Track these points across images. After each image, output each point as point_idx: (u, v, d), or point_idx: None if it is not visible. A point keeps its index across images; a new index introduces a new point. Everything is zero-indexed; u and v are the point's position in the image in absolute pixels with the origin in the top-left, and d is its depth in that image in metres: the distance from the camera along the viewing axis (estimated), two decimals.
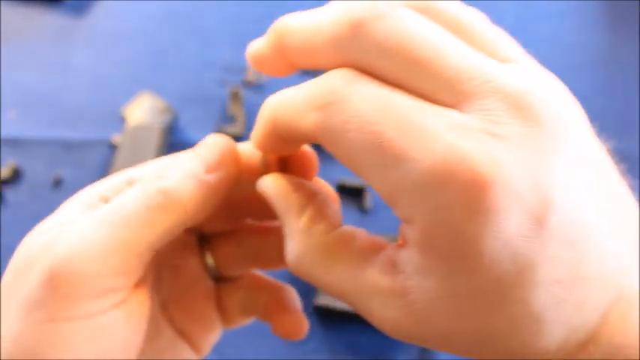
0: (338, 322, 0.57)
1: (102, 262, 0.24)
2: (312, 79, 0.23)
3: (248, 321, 0.35)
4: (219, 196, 0.28)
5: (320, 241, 0.23)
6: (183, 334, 0.33)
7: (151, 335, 0.30)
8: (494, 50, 0.21)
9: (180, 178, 0.27)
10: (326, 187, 0.31)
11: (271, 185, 0.27)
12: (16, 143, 0.72)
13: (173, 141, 0.72)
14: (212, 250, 0.34)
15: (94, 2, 0.86)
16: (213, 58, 0.80)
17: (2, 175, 0.69)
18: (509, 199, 0.18)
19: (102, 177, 0.69)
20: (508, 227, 0.18)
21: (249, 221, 0.34)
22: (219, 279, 0.35)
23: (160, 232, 0.26)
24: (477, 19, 0.23)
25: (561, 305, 0.19)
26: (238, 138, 0.72)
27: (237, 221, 0.34)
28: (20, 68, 0.79)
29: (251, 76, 0.77)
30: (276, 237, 0.32)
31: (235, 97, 0.75)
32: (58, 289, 0.23)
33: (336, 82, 0.22)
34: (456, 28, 0.21)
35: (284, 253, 0.25)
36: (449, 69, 0.20)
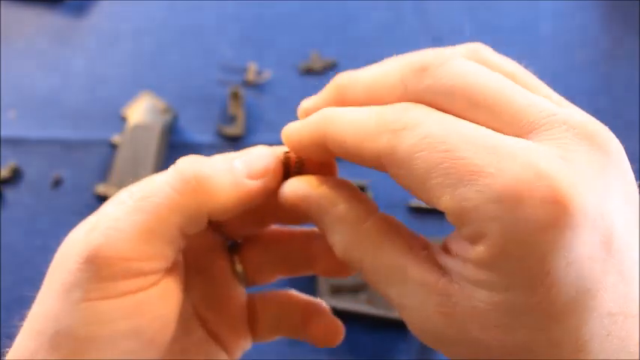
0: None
1: (133, 247, 0.25)
2: (381, 107, 0.24)
3: (275, 337, 0.35)
4: (251, 201, 0.28)
5: (366, 227, 0.24)
6: (216, 337, 0.33)
7: (182, 332, 0.30)
8: (540, 94, 0.23)
9: (219, 172, 0.27)
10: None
11: (302, 185, 0.27)
12: (16, 143, 0.72)
13: (173, 141, 0.72)
14: (240, 257, 0.34)
15: (94, 2, 0.86)
16: (213, 58, 0.80)
17: (2, 175, 0.69)
18: (584, 220, 0.18)
19: (102, 177, 0.69)
20: (578, 248, 0.18)
21: (274, 227, 0.34)
22: (250, 286, 0.35)
23: (190, 217, 0.26)
24: (518, 67, 0.25)
25: (608, 338, 0.19)
26: (238, 138, 0.72)
27: (263, 225, 0.34)
28: (20, 68, 0.79)
29: (251, 76, 0.77)
30: (300, 243, 0.32)
31: (235, 97, 0.75)
32: (93, 272, 0.24)
33: (409, 109, 0.22)
34: (504, 73, 0.23)
35: (314, 255, 0.28)
36: (513, 105, 0.21)
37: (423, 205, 0.66)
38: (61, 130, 0.73)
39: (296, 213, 0.27)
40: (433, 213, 0.66)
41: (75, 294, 0.25)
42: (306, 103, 0.29)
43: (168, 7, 0.86)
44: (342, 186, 0.26)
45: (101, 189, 0.63)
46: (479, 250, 0.20)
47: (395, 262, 0.23)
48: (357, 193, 0.26)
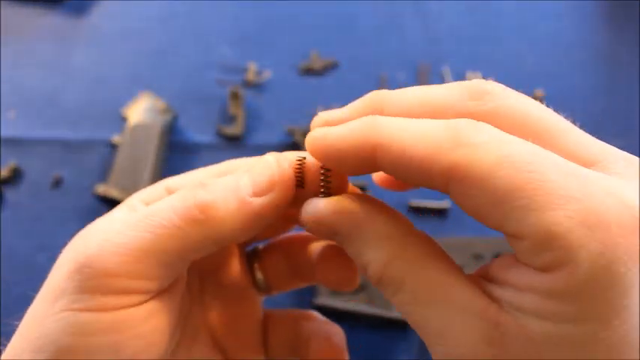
0: (338, 322, 0.57)
1: (123, 263, 0.24)
2: (447, 120, 0.22)
3: (288, 358, 0.34)
4: (263, 220, 0.26)
5: (410, 243, 0.23)
6: (223, 351, 0.32)
7: (184, 349, 0.30)
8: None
9: (223, 195, 0.25)
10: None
11: (334, 205, 0.25)
12: (16, 143, 0.72)
13: (173, 141, 0.72)
14: (260, 263, 0.33)
15: (94, 2, 0.86)
16: (213, 58, 0.80)
17: (2, 175, 0.69)
18: None
19: (102, 177, 0.69)
20: None
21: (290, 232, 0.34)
22: (268, 295, 0.34)
23: (192, 246, 0.25)
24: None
25: None
26: (238, 138, 0.72)
27: (285, 228, 0.33)
28: (20, 68, 0.79)
29: (251, 76, 0.77)
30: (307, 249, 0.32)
31: (235, 97, 0.75)
32: (79, 282, 0.24)
33: (483, 125, 0.21)
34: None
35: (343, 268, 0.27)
36: (571, 138, 0.22)
37: (423, 204, 0.66)
38: (61, 130, 0.73)
39: (318, 232, 0.26)
40: (434, 213, 0.66)
41: (60, 302, 0.24)
42: (328, 115, 0.26)
43: (168, 7, 0.86)
44: (373, 201, 0.25)
45: (101, 189, 0.63)
46: (555, 278, 0.19)
47: (439, 281, 0.22)
48: (389, 208, 0.25)
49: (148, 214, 0.25)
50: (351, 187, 0.28)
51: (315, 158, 0.25)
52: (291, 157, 0.27)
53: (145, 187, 0.65)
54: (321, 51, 0.80)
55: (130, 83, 0.77)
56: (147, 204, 0.29)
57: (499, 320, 0.20)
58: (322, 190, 0.26)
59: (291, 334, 0.33)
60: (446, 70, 0.78)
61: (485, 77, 0.76)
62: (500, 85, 0.23)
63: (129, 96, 0.74)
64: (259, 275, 0.33)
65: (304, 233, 0.32)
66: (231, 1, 0.86)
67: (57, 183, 0.69)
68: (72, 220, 0.66)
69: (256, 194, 0.26)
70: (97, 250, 0.24)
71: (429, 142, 0.21)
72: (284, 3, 0.86)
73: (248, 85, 0.77)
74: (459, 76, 0.77)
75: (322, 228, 0.25)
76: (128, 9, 0.86)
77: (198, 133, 0.74)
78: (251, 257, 0.34)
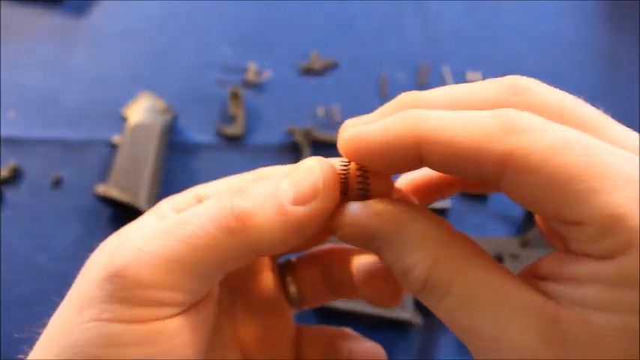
0: (338, 322, 0.57)
1: (156, 274, 0.23)
2: (488, 111, 0.21)
3: None
4: (306, 231, 0.24)
5: (455, 243, 0.22)
6: None
7: (211, 355, 0.28)
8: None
9: (262, 203, 0.24)
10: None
11: (373, 207, 0.24)
12: (16, 143, 0.72)
13: (173, 141, 0.72)
14: (294, 277, 0.32)
15: (94, 2, 0.86)
16: (213, 58, 0.80)
17: (2, 175, 0.69)
18: None
19: (102, 177, 0.69)
20: None
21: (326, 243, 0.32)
22: (301, 309, 0.33)
23: (228, 256, 0.24)
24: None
25: None
26: (238, 138, 0.72)
27: (320, 240, 0.32)
28: (20, 68, 0.79)
29: (251, 76, 0.77)
30: (351, 263, 0.30)
31: (235, 97, 0.75)
32: (110, 291, 0.23)
33: (528, 113, 0.20)
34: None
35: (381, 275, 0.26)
36: (607, 129, 0.22)
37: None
38: (61, 130, 0.73)
39: (353, 238, 0.24)
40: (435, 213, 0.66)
41: (89, 311, 0.23)
42: (356, 122, 0.25)
43: (168, 7, 0.86)
44: (412, 204, 0.24)
45: (101, 189, 0.63)
46: (621, 264, 0.18)
47: (489, 281, 0.21)
48: (429, 211, 0.24)
49: (181, 222, 0.24)
50: (396, 188, 0.26)
51: (351, 158, 0.24)
52: (334, 161, 0.26)
53: (145, 187, 0.65)
54: (321, 51, 0.80)
55: (130, 83, 0.77)
56: (177, 211, 0.27)
57: (558, 317, 0.19)
58: (360, 193, 0.25)
59: (327, 352, 0.32)
60: (446, 70, 0.78)
61: (485, 77, 0.76)
62: (533, 79, 0.23)
63: (129, 96, 0.74)
64: (292, 289, 0.32)
65: (343, 246, 0.31)
66: (231, 1, 0.86)
67: (57, 183, 0.69)
68: (72, 220, 0.66)
69: (298, 202, 0.24)
70: (130, 259, 0.23)
71: (479, 131, 0.20)
72: (284, 3, 0.86)
73: (248, 85, 0.77)
74: (459, 76, 0.77)
75: (359, 232, 0.24)
76: (128, 9, 0.86)
77: (198, 133, 0.74)
78: (284, 270, 0.32)
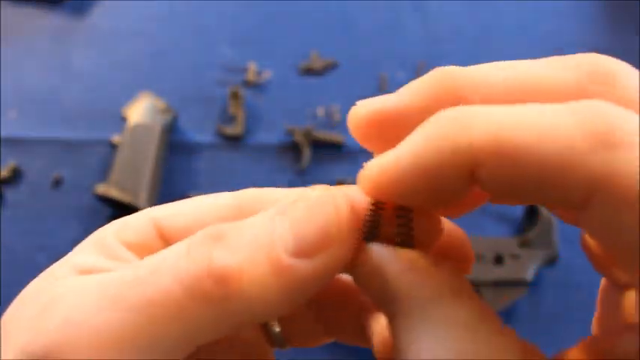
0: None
1: (98, 357, 0.16)
2: (563, 105, 0.15)
3: None
4: (310, 291, 0.18)
5: (472, 307, 0.16)
6: None
7: None
8: None
9: (251, 256, 0.17)
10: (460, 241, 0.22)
11: (421, 264, 0.17)
12: (16, 143, 0.72)
13: (173, 141, 0.72)
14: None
15: (94, 2, 0.86)
16: (213, 58, 0.80)
17: (2, 175, 0.69)
18: None
19: (102, 177, 0.69)
20: None
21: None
22: (285, 348, 0.25)
23: (202, 331, 0.17)
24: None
25: None
26: (238, 138, 0.72)
27: None
28: (20, 68, 0.79)
29: (251, 76, 0.77)
30: (356, 305, 0.23)
31: (235, 97, 0.75)
32: None
33: (628, 112, 0.14)
34: None
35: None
36: None
37: None
38: (61, 130, 0.73)
39: (374, 292, 0.18)
40: None
41: None
42: (374, 103, 0.19)
43: (168, 7, 0.86)
44: (454, 267, 0.18)
45: (101, 189, 0.63)
46: None
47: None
48: (467, 282, 0.17)
49: (137, 280, 0.17)
50: (448, 231, 0.20)
51: (381, 198, 0.18)
52: (354, 192, 0.18)
53: (145, 187, 0.65)
54: (321, 51, 0.80)
55: (130, 83, 0.77)
56: (128, 245, 0.20)
57: None
58: (399, 240, 0.18)
59: None
60: None
61: None
62: (623, 63, 0.17)
63: (129, 96, 0.74)
64: (276, 328, 0.24)
65: (350, 280, 0.23)
66: (231, 1, 0.86)
67: (57, 183, 0.69)
68: (72, 220, 0.66)
69: (300, 253, 0.17)
70: (59, 338, 0.16)
71: (563, 138, 0.14)
72: (284, 3, 0.86)
73: (248, 85, 0.77)
74: None
75: (379, 283, 0.17)
76: (128, 9, 0.86)
77: (198, 133, 0.74)
78: None
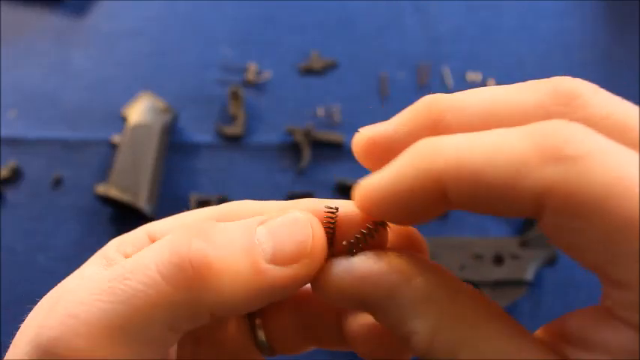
0: None
1: (95, 346, 0.19)
2: (529, 126, 0.17)
3: None
4: (279, 295, 0.21)
5: (461, 305, 0.19)
6: None
7: None
8: None
9: (231, 252, 0.19)
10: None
11: (359, 268, 0.20)
12: (16, 143, 0.72)
13: (173, 141, 0.72)
14: (263, 321, 0.26)
15: (94, 2, 0.86)
16: (213, 58, 0.80)
17: (2, 175, 0.69)
18: None
19: (102, 177, 0.69)
20: None
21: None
22: (272, 356, 0.28)
23: (182, 316, 0.19)
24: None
25: None
26: (238, 138, 0.72)
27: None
28: (20, 68, 0.79)
29: (251, 76, 0.77)
30: (335, 311, 0.25)
31: (235, 97, 0.75)
32: None
33: (579, 128, 0.16)
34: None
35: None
36: None
37: None
38: (61, 130, 0.73)
39: (340, 303, 0.21)
40: None
41: None
42: (372, 130, 0.21)
43: (168, 7, 0.86)
44: (408, 257, 0.20)
45: (101, 189, 0.63)
46: None
47: (502, 348, 0.17)
48: (429, 264, 0.20)
49: (123, 275, 0.19)
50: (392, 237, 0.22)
51: (371, 214, 0.20)
52: (318, 206, 0.21)
53: (145, 187, 0.65)
54: (321, 51, 0.80)
55: (130, 83, 0.77)
56: (126, 255, 0.23)
57: None
58: (355, 249, 0.21)
59: None
60: (446, 70, 0.78)
61: (485, 77, 0.76)
62: (588, 83, 0.19)
63: (129, 96, 0.74)
64: (261, 335, 0.26)
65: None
66: (231, 1, 0.86)
67: (57, 183, 0.69)
68: (72, 220, 0.66)
69: (277, 261, 0.20)
70: (61, 331, 0.19)
71: (510, 159, 0.16)
72: (284, 3, 0.86)
73: (248, 85, 0.77)
74: (459, 76, 0.77)
75: (344, 299, 0.20)
76: (128, 9, 0.86)
77: (198, 133, 0.74)
78: (252, 313, 0.27)
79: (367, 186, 0.19)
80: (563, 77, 0.19)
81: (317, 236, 0.20)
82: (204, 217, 0.23)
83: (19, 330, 0.21)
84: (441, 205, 0.18)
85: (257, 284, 0.19)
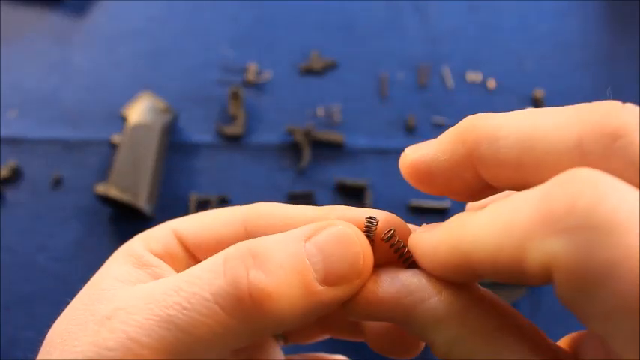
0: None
1: None
2: (541, 189, 0.17)
3: None
4: (327, 311, 0.21)
5: (474, 319, 0.19)
6: None
7: None
8: None
9: (286, 279, 0.20)
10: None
11: (409, 279, 0.21)
12: (16, 143, 0.72)
13: (173, 141, 0.72)
14: None
15: (94, 2, 0.86)
16: (213, 58, 0.80)
17: (2, 175, 0.69)
18: None
19: (102, 177, 0.69)
20: None
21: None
22: (288, 344, 0.29)
23: (237, 342, 0.20)
24: None
25: None
26: (238, 138, 0.72)
27: None
28: (20, 68, 0.79)
29: (251, 76, 0.77)
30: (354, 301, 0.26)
31: (235, 97, 0.75)
32: None
33: (587, 191, 0.15)
34: None
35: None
36: None
37: (423, 204, 0.66)
38: (61, 130, 0.73)
39: (364, 318, 0.22)
40: (434, 213, 0.66)
41: None
42: (415, 154, 0.22)
43: (168, 7, 0.86)
44: (428, 277, 0.21)
45: (101, 189, 0.63)
46: None
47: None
48: (446, 281, 0.21)
49: (180, 304, 0.19)
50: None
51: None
52: (355, 215, 0.22)
53: (145, 187, 0.65)
54: (321, 51, 0.80)
55: (130, 83, 0.77)
56: (156, 254, 0.23)
57: None
58: (405, 260, 0.22)
59: None
60: (446, 70, 0.78)
61: (485, 77, 0.76)
62: (637, 116, 0.17)
63: (129, 96, 0.74)
64: None
65: None
66: (231, 1, 0.86)
67: (57, 183, 0.69)
68: (72, 220, 0.66)
69: (329, 281, 0.20)
70: (123, 353, 0.19)
71: (515, 237, 0.16)
72: (284, 3, 0.86)
73: (248, 85, 0.77)
74: (459, 76, 0.77)
75: (369, 317, 0.21)
76: (128, 9, 0.86)
77: (198, 133, 0.74)
78: None
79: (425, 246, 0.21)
80: (612, 106, 0.18)
81: (367, 255, 0.21)
82: (235, 220, 0.24)
83: (54, 333, 0.21)
84: (473, 275, 0.19)
85: (311, 305, 0.20)
